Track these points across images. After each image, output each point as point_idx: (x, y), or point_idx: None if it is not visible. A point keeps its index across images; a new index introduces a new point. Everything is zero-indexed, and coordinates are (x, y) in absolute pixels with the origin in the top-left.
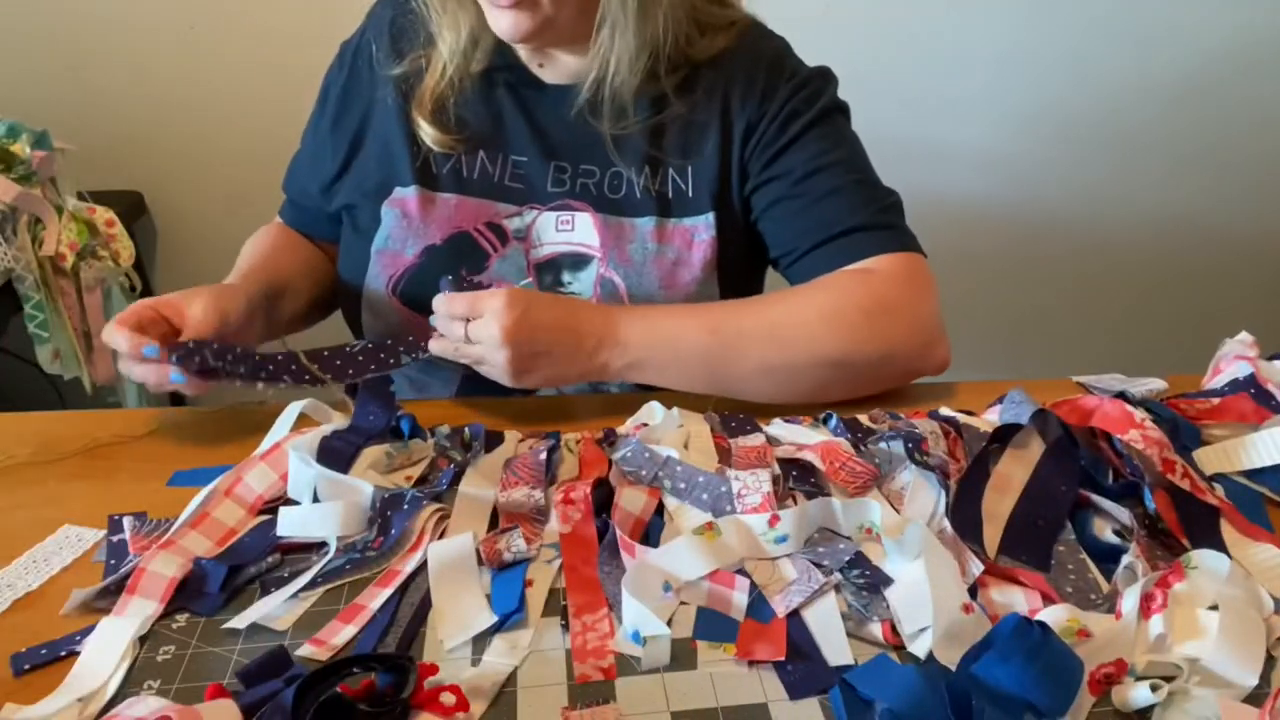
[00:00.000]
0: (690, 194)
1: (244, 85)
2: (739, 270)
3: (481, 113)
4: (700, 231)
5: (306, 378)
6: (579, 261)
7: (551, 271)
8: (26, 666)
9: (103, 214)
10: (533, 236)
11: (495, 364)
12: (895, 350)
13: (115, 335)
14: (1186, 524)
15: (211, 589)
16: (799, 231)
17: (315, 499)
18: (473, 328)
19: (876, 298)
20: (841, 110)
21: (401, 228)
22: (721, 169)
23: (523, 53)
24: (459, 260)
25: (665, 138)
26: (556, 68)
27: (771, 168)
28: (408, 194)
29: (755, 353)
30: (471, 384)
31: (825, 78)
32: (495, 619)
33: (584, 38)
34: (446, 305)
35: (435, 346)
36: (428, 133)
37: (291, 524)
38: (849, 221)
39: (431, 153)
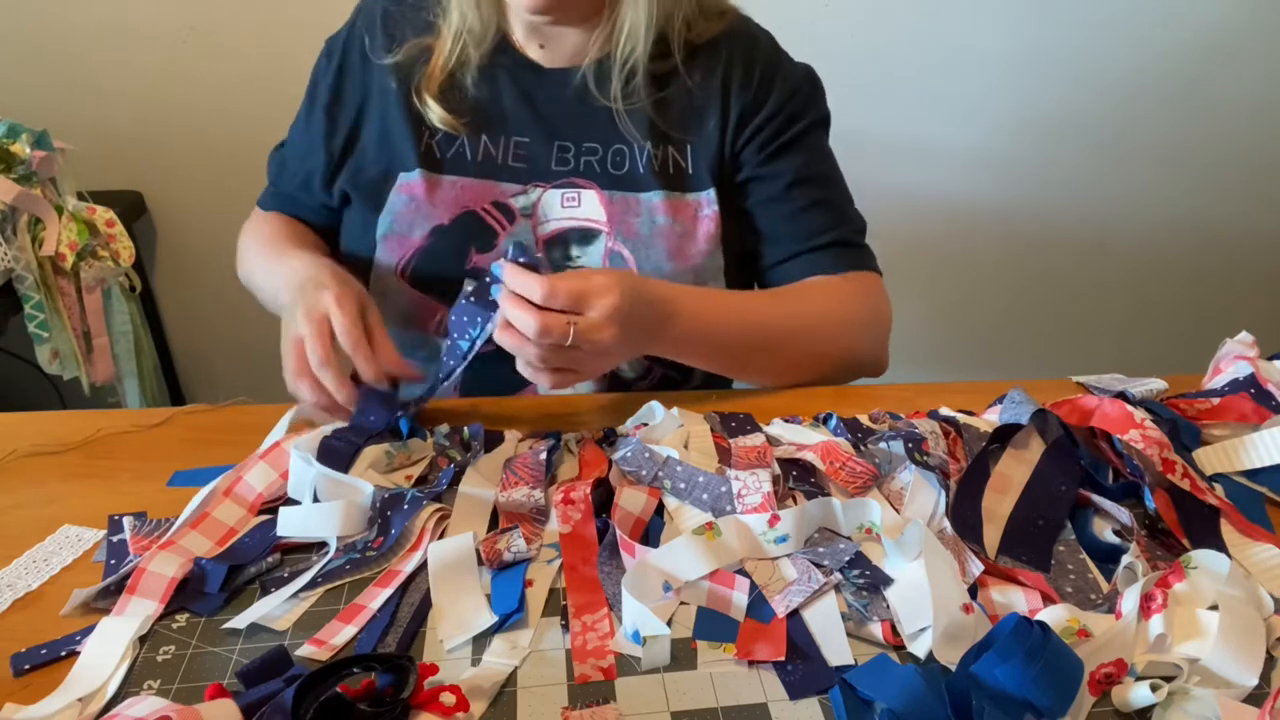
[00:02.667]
0: (691, 170)
1: (243, 85)
2: (742, 244)
3: (483, 97)
4: (704, 206)
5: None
6: (586, 235)
7: (560, 246)
8: (26, 666)
9: (103, 214)
10: (539, 213)
11: (592, 369)
12: (874, 354)
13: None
14: (1186, 524)
15: (211, 589)
16: (783, 235)
17: (316, 499)
18: (582, 327)
19: (869, 308)
20: (827, 123)
21: (409, 211)
22: (720, 148)
23: (521, 34)
24: (468, 239)
25: (667, 116)
26: (557, 49)
27: (768, 165)
28: (413, 178)
29: (784, 347)
30: (472, 379)
31: (815, 84)
32: (495, 619)
33: (595, 13)
34: (547, 293)
35: (510, 342)
36: (435, 112)
37: (291, 524)
38: (830, 235)
39: (435, 138)
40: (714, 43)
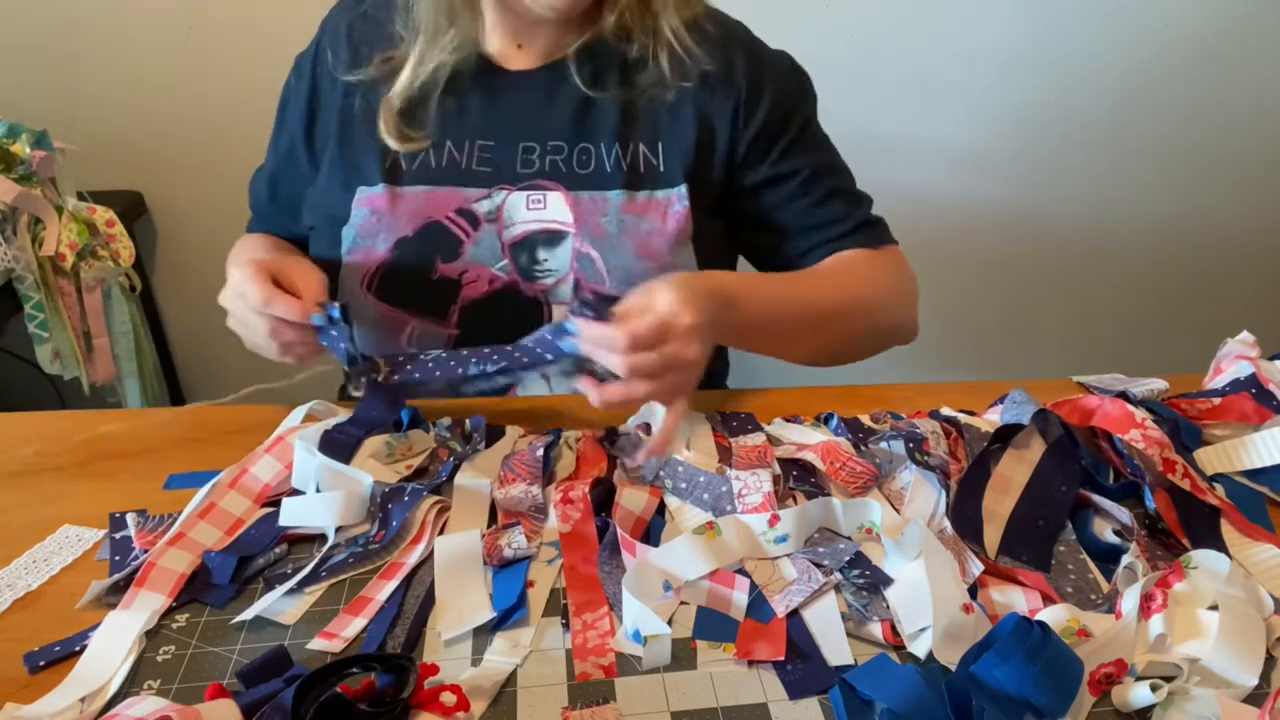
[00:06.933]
0: (661, 167)
1: (243, 86)
2: (713, 240)
3: (447, 105)
4: (674, 203)
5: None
6: (553, 238)
7: (526, 250)
8: (41, 663)
9: (103, 214)
10: (504, 217)
11: (690, 383)
12: (909, 321)
13: (284, 304)
14: (1186, 524)
15: (220, 580)
16: (807, 228)
17: (319, 490)
18: (668, 353)
19: (900, 276)
20: (816, 107)
21: (371, 224)
22: (699, 143)
23: (499, 38)
24: (433, 250)
25: (634, 113)
26: (534, 47)
27: (780, 164)
28: (374, 191)
29: (835, 323)
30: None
31: (799, 72)
32: (494, 614)
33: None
34: (628, 344)
35: (607, 395)
36: (398, 129)
37: (294, 513)
38: (850, 221)
39: (399, 152)
40: (688, 35)
